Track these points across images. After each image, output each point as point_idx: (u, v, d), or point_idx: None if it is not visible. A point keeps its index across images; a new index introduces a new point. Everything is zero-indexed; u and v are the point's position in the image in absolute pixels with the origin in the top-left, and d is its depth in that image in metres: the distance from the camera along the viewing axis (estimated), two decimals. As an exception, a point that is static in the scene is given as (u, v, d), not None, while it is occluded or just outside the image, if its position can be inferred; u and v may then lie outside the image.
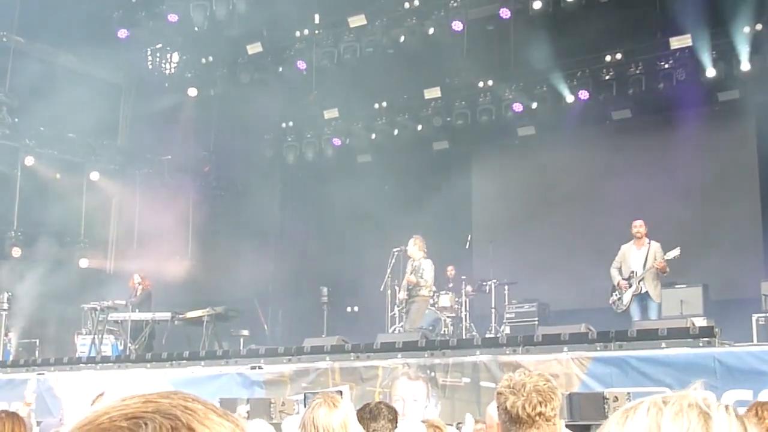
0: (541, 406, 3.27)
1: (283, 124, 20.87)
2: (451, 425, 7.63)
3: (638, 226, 13.23)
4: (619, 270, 13.25)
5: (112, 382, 11.78)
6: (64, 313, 17.33)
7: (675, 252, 12.86)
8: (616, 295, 13.22)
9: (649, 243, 13.10)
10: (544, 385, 3.33)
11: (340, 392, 6.43)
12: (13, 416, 5.31)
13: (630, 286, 13.05)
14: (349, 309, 18.68)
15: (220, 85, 19.93)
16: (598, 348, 9.96)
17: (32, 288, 17.29)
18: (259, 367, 11.77)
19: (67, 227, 19.32)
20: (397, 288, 14.71)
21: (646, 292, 12.97)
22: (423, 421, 5.89)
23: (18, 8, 17.90)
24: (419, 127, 19.09)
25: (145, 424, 1.02)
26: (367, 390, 10.68)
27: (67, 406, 7.89)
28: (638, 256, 13.12)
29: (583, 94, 17.24)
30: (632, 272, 13.08)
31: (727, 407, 1.30)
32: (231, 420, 1.07)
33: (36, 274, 17.47)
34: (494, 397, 3.48)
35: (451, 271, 16.05)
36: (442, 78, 18.59)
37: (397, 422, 5.18)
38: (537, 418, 3.27)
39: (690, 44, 16.07)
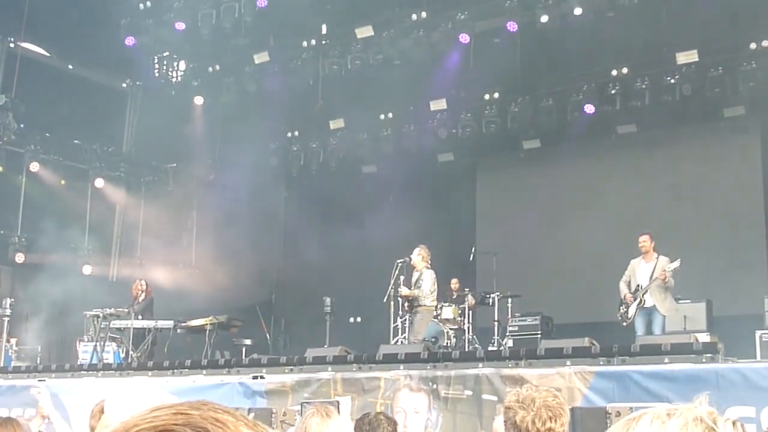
0: (550, 421, 3.25)
1: (289, 134, 20.90)
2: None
3: (643, 242, 13.21)
4: (628, 284, 13.24)
5: (110, 391, 11.72)
6: (67, 319, 17.30)
7: (675, 264, 12.84)
8: (623, 308, 13.21)
9: (657, 257, 13.07)
10: (553, 401, 3.31)
11: (337, 403, 6.39)
12: (8, 423, 5.13)
13: (635, 299, 13.05)
14: (351, 320, 18.64)
15: (227, 93, 19.93)
16: (601, 362, 9.93)
17: (35, 294, 17.29)
18: (261, 377, 11.74)
19: (71, 234, 19.32)
20: (400, 299, 14.69)
21: (653, 305, 12.93)
22: None
23: (25, 14, 17.95)
24: (424, 139, 19.09)
25: None
26: (369, 401, 10.64)
27: (53, 415, 7.67)
28: (645, 269, 13.11)
29: (589, 108, 17.21)
30: (638, 286, 13.09)
31: (734, 423, 1.26)
32: (261, 431, 1.07)
33: (39, 280, 17.47)
34: (496, 410, 3.48)
35: (455, 283, 16.01)
36: (447, 90, 18.60)
37: (396, 435, 5.07)
38: (546, 433, 3.25)
39: (696, 59, 16.08)
